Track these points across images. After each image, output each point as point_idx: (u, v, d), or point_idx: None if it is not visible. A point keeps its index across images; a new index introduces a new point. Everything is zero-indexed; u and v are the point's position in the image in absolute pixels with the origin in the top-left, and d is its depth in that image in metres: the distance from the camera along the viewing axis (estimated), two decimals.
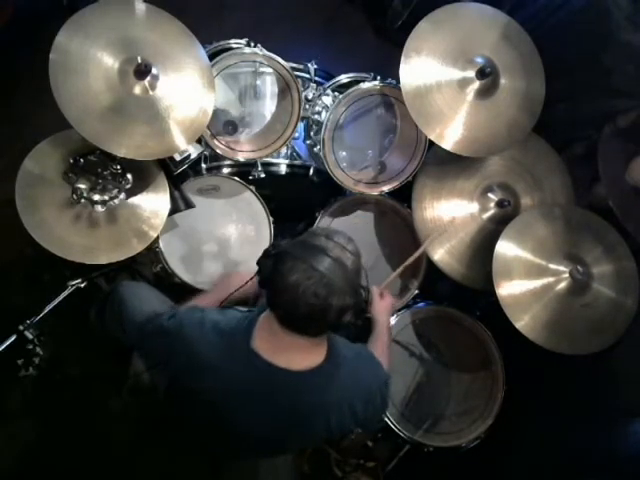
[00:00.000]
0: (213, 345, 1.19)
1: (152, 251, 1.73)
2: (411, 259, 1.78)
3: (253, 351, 1.16)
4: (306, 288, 1.06)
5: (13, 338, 1.48)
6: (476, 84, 1.69)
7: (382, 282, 1.80)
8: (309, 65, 1.92)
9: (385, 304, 1.62)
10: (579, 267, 1.72)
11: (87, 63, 1.37)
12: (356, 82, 1.84)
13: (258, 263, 1.18)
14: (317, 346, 1.19)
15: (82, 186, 1.48)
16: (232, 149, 1.81)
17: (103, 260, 1.49)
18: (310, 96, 1.87)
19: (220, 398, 1.20)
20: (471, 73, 1.68)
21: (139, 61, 1.41)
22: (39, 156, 1.46)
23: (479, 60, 1.69)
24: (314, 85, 1.91)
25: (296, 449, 1.49)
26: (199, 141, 1.70)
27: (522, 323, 1.68)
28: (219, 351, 1.19)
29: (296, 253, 1.10)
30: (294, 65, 1.84)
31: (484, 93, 1.70)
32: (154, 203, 1.59)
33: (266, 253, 1.17)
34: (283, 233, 1.91)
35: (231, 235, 1.88)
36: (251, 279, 1.30)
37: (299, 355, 1.17)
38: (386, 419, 1.82)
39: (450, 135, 1.68)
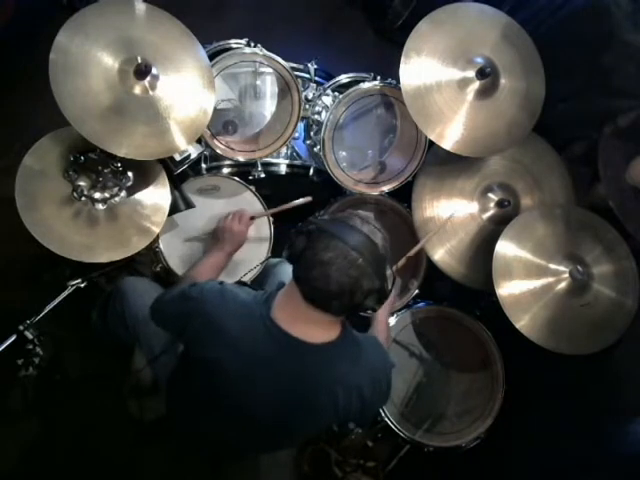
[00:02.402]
0: (232, 313, 1.22)
1: (152, 251, 1.73)
2: (399, 263, 1.77)
3: (271, 319, 1.18)
4: (340, 267, 1.08)
5: (13, 338, 1.48)
6: (476, 84, 1.69)
7: None
8: (309, 65, 1.92)
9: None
10: (579, 267, 1.72)
11: (87, 63, 1.36)
12: (356, 82, 1.84)
13: (290, 237, 1.19)
14: (333, 324, 1.22)
15: (83, 184, 1.48)
16: (232, 149, 1.81)
17: (103, 258, 1.48)
18: (310, 96, 1.87)
19: (233, 366, 1.21)
20: (471, 73, 1.68)
21: (139, 61, 1.41)
22: (40, 152, 1.46)
23: (479, 60, 1.69)
24: (314, 85, 1.91)
25: (301, 435, 1.47)
26: (199, 141, 1.70)
27: (522, 323, 1.68)
28: (238, 319, 1.21)
29: (332, 231, 1.12)
30: (294, 65, 1.84)
31: (484, 93, 1.70)
32: (155, 201, 1.59)
33: (299, 229, 1.17)
34: (283, 234, 1.91)
35: None
36: None
37: (315, 329, 1.19)
38: (386, 419, 1.82)
39: (450, 135, 1.68)
